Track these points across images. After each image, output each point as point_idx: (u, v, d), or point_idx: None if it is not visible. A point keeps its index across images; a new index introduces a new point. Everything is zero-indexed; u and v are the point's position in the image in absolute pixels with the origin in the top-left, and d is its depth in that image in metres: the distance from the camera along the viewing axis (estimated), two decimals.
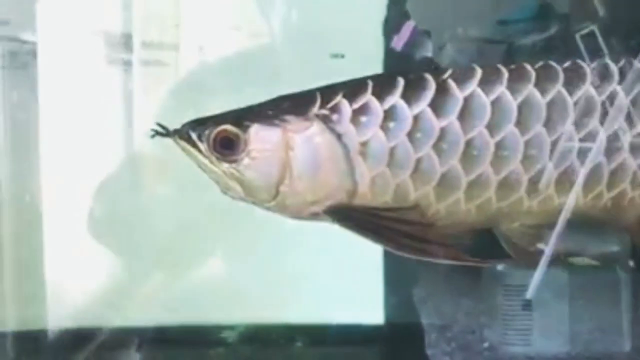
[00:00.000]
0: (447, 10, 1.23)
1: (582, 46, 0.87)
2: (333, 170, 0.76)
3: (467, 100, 0.76)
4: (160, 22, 1.26)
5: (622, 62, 0.79)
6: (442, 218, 0.78)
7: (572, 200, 0.79)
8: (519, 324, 1.23)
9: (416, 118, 0.75)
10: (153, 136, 0.77)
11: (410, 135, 0.75)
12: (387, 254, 1.33)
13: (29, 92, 1.20)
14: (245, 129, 0.76)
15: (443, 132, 0.76)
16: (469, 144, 0.76)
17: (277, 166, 0.76)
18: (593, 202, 0.80)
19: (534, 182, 0.77)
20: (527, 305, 1.67)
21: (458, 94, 0.76)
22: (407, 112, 0.75)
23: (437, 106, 0.75)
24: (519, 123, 0.76)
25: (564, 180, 0.78)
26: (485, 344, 1.28)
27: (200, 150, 0.77)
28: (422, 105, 0.75)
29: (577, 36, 0.88)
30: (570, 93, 0.77)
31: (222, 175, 0.78)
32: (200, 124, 0.78)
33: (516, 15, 1.35)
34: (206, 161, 0.78)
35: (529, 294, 1.69)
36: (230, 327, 1.37)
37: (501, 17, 1.34)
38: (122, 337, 1.28)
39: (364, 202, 0.77)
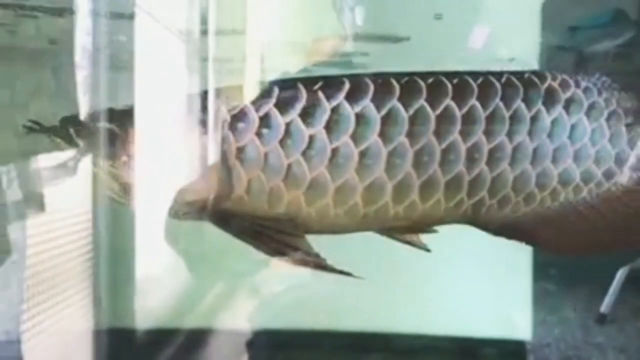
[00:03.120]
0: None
1: None
2: (211, 173, 0.81)
3: (334, 111, 0.81)
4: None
5: (481, 79, 0.78)
6: (314, 222, 0.82)
7: None
8: None
9: (288, 126, 0.80)
10: (28, 132, 0.78)
11: (282, 142, 0.80)
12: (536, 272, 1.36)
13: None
14: (124, 129, 0.81)
15: (311, 140, 0.81)
16: (335, 152, 0.80)
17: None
18: (455, 209, 0.83)
19: (397, 189, 0.81)
20: (602, 319, 1.55)
21: (326, 105, 0.81)
22: (279, 120, 0.80)
23: (306, 116, 0.80)
24: (382, 134, 0.80)
25: (427, 188, 0.82)
26: None
27: (77, 147, 0.80)
28: (293, 114, 0.80)
29: None
30: (433, 107, 0.79)
31: (99, 173, 0.81)
32: (77, 120, 0.81)
33: (589, 22, 1.29)
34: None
35: (603, 308, 1.57)
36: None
37: (572, 24, 1.30)
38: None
39: (241, 205, 0.81)
